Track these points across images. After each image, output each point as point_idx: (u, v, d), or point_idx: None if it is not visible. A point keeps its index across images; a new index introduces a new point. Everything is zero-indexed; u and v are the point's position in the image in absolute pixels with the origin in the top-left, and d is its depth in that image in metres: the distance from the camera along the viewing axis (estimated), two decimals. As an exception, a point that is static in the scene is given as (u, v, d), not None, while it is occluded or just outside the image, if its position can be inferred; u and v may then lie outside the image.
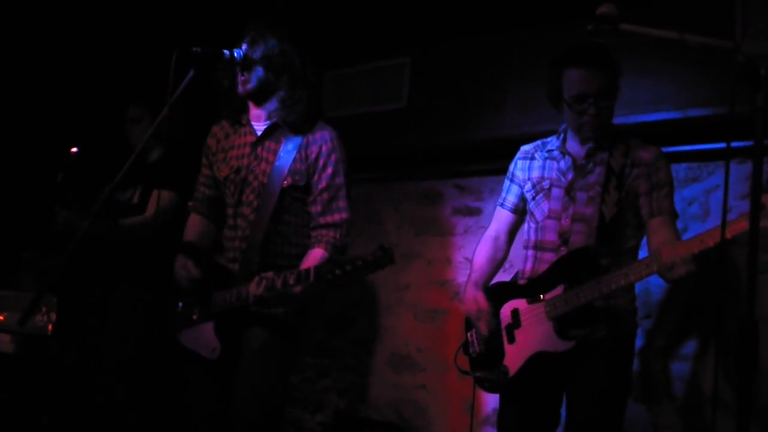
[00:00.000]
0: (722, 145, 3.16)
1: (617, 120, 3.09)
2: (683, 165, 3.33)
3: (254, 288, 2.32)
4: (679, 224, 3.26)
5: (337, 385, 4.19)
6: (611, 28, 1.74)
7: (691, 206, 3.30)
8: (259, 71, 2.48)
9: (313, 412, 4.22)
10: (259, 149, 2.57)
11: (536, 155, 2.68)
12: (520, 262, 2.69)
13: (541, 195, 2.60)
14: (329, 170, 2.53)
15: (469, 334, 2.69)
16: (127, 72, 4.38)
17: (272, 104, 2.56)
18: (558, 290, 2.43)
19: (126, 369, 3.30)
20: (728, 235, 2.07)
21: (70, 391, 3.57)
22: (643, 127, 3.20)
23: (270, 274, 2.31)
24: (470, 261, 2.82)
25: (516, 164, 2.75)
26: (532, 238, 2.62)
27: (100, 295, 3.45)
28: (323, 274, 2.17)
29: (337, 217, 2.53)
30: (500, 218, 2.79)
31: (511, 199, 2.75)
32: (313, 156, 2.53)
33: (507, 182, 2.77)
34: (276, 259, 2.51)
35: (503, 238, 2.78)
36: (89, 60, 4.49)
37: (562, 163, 2.58)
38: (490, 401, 3.55)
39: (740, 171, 3.13)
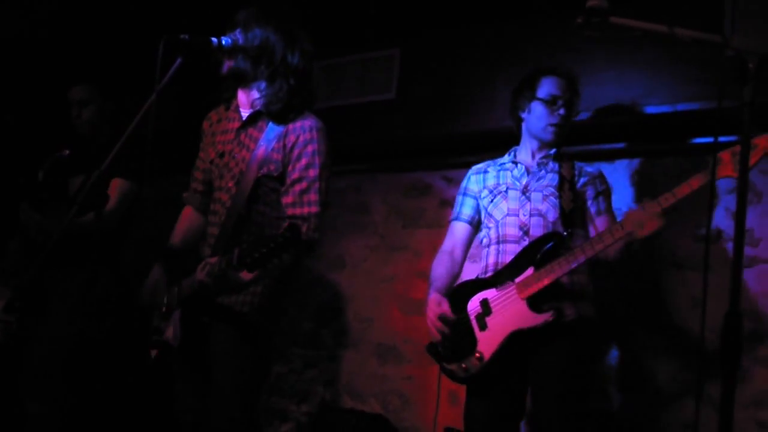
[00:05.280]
0: (710, 139, 3.17)
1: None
2: (671, 159, 3.34)
3: (199, 272, 2.28)
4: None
5: (323, 375, 4.19)
6: (601, 20, 1.74)
7: (677, 200, 3.31)
8: (239, 60, 2.45)
9: (299, 402, 4.22)
10: (242, 135, 2.54)
11: (489, 170, 2.89)
12: (482, 260, 2.78)
13: (499, 197, 2.77)
14: (303, 161, 2.43)
15: None
16: (109, 60, 4.32)
17: (254, 93, 2.53)
18: (528, 272, 2.54)
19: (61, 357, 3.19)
20: (695, 186, 2.34)
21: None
22: (632, 120, 3.21)
23: (214, 258, 2.26)
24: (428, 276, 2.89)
25: (469, 179, 2.92)
26: (494, 235, 2.74)
27: (53, 282, 3.32)
28: (243, 257, 2.09)
29: (306, 210, 2.40)
30: (456, 232, 2.90)
31: (467, 212, 2.88)
32: (290, 146, 2.45)
33: (460, 198, 2.91)
34: None
35: (458, 252, 2.88)
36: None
37: (515, 171, 2.80)
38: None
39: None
